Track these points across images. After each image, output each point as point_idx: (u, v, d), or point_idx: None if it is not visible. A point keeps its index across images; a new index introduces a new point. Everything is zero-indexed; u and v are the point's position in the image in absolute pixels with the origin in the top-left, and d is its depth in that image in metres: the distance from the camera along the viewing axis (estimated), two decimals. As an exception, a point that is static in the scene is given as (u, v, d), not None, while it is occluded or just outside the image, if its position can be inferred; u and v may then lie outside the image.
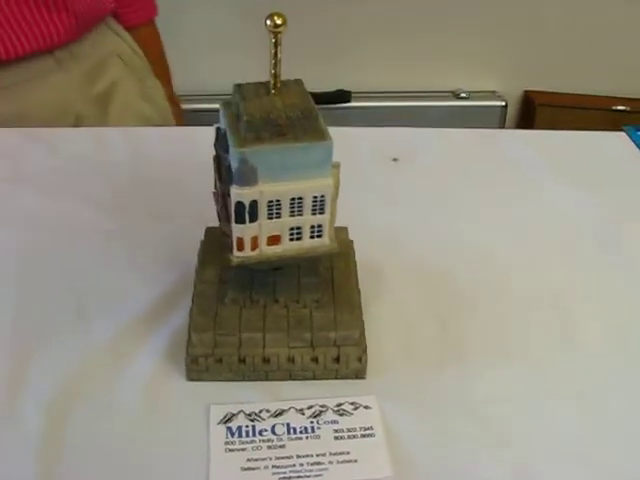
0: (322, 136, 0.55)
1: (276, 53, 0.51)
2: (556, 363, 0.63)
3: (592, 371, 0.63)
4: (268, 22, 0.50)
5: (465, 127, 1.61)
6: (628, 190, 0.84)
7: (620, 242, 0.76)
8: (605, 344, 0.65)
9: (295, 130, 0.54)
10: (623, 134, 0.93)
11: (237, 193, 0.54)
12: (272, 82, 0.54)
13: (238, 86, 0.55)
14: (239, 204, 0.55)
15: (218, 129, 0.58)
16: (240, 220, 0.56)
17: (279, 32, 0.51)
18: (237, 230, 0.56)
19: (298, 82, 0.57)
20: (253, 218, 0.56)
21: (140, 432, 0.57)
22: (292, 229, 0.58)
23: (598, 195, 0.83)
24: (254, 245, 0.57)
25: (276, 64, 0.52)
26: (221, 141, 0.56)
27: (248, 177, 0.54)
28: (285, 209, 0.56)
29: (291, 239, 0.58)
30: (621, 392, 0.61)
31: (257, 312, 0.60)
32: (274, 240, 0.58)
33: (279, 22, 0.50)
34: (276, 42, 0.51)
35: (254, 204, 0.55)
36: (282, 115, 0.54)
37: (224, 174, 0.56)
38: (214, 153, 0.59)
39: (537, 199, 0.82)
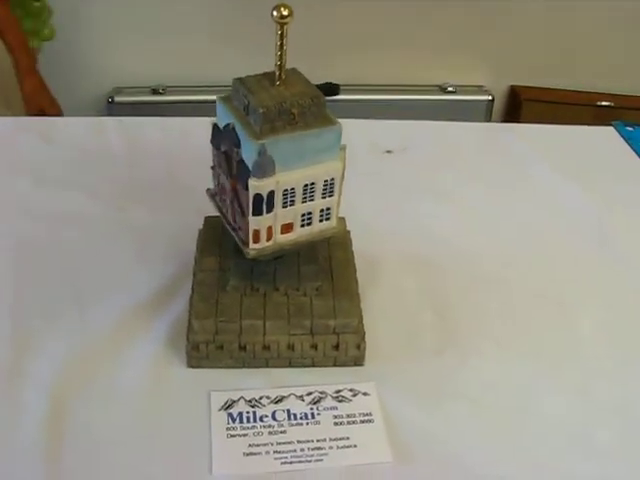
0: (331, 121, 0.56)
1: (282, 44, 0.52)
2: (552, 350, 0.64)
3: (587, 359, 0.64)
4: (275, 13, 0.51)
5: (452, 121, 1.63)
6: (618, 184, 0.86)
7: (609, 235, 0.78)
8: (602, 332, 0.67)
9: (305, 117, 0.55)
10: (611, 129, 0.95)
11: (256, 185, 0.55)
12: (277, 73, 0.54)
13: (239, 80, 0.55)
14: (257, 196, 0.55)
15: (216, 125, 0.58)
16: (258, 212, 0.56)
17: (285, 23, 0.52)
18: (254, 222, 0.57)
19: (295, 71, 0.58)
20: (270, 209, 0.57)
21: (141, 418, 0.57)
22: (304, 215, 0.59)
23: (589, 189, 0.84)
24: (269, 235, 0.58)
25: (282, 55, 0.53)
26: (227, 136, 0.56)
27: (267, 168, 0.54)
28: (298, 196, 0.58)
29: (302, 225, 0.60)
30: (613, 379, 0.62)
31: (258, 300, 0.61)
32: (287, 228, 0.59)
33: (285, 13, 0.51)
34: (282, 33, 0.52)
35: (271, 195, 0.56)
36: (295, 104, 0.55)
37: (235, 169, 0.56)
38: (213, 151, 0.60)
39: (529, 192, 0.84)
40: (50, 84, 1.61)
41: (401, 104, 1.66)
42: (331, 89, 1.92)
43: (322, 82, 1.87)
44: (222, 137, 0.57)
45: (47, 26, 1.31)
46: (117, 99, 1.65)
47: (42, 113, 1.28)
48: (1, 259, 0.71)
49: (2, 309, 0.65)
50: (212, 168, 0.60)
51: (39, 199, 0.78)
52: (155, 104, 1.66)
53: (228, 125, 0.56)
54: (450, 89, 1.68)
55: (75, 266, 0.70)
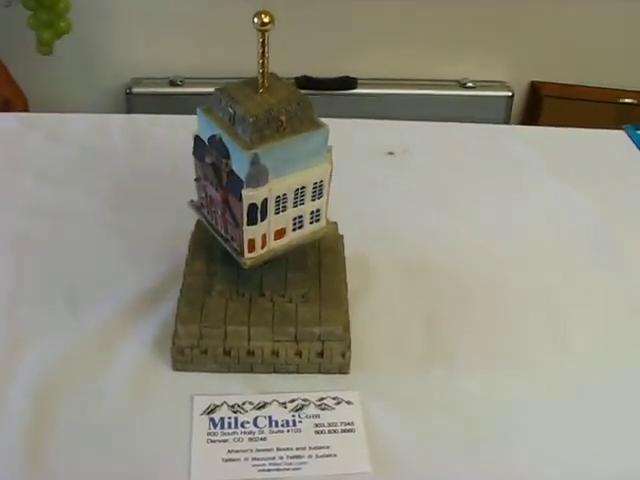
0: (318, 124, 0.56)
1: (263, 52, 0.52)
2: (543, 364, 0.63)
3: (579, 373, 0.63)
4: (255, 20, 0.50)
5: (470, 117, 1.60)
6: (626, 190, 0.84)
7: (616, 243, 0.76)
8: (594, 346, 0.65)
9: (293, 123, 0.55)
10: (622, 132, 0.93)
11: (250, 195, 0.55)
12: (261, 80, 0.54)
13: (221, 90, 0.55)
14: (252, 206, 0.55)
15: (198, 137, 0.57)
16: (252, 221, 0.56)
17: (266, 30, 0.51)
18: (249, 232, 0.57)
19: (275, 76, 0.57)
20: (264, 217, 0.56)
21: (125, 420, 0.58)
22: (295, 219, 0.59)
23: (596, 195, 0.82)
24: (264, 243, 0.58)
25: (264, 62, 0.52)
26: (214, 148, 0.56)
27: (260, 177, 0.54)
28: (290, 201, 0.58)
29: (294, 229, 0.60)
30: (607, 394, 0.61)
31: (243, 305, 0.61)
32: (280, 234, 0.59)
33: (266, 20, 0.50)
34: (263, 41, 0.51)
35: (265, 203, 0.56)
36: (282, 110, 0.54)
37: (225, 181, 0.56)
38: (196, 163, 0.59)
39: (534, 198, 0.82)
40: (68, 75, 1.63)
41: (419, 99, 1.64)
42: (348, 82, 1.91)
43: (339, 75, 1.86)
44: (207, 149, 0.56)
45: (64, 19, 1.31)
46: (135, 90, 1.65)
47: (7, 104, 1.26)
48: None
49: (-2, 305, 0.66)
50: (196, 180, 0.60)
51: (39, 196, 0.79)
52: (173, 96, 1.66)
53: (214, 137, 0.55)
54: (469, 84, 1.65)
55: (70, 265, 0.71)
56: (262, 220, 0.57)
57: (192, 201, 0.62)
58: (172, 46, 1.63)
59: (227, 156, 0.55)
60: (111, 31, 1.61)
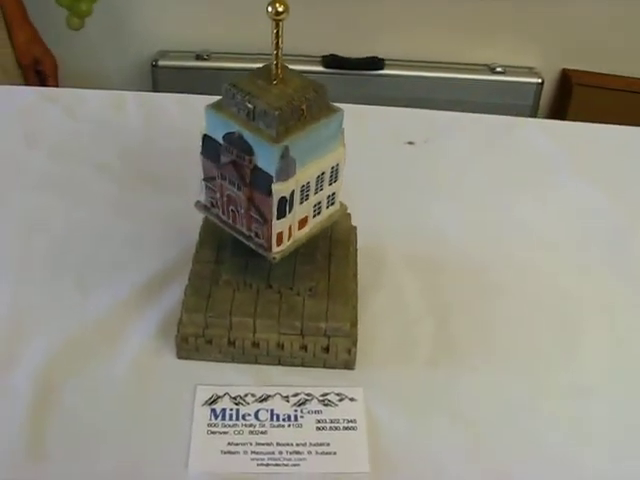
0: (333, 109, 0.56)
1: (277, 43, 0.50)
2: (551, 368, 0.62)
3: (588, 377, 0.62)
4: (269, 9, 0.49)
5: (498, 102, 1.57)
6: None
7: (632, 247, 0.74)
8: (604, 350, 0.64)
9: (312, 111, 0.54)
10: (648, 130, 0.90)
11: (280, 189, 0.54)
12: (275, 71, 0.53)
13: (233, 85, 0.53)
14: (282, 199, 0.55)
15: (208, 137, 0.56)
16: (282, 215, 0.56)
17: (281, 20, 0.50)
18: (278, 226, 0.56)
19: (283, 65, 0.55)
20: (291, 208, 0.56)
21: (127, 407, 0.58)
22: (315, 206, 0.59)
23: (616, 196, 0.80)
24: (290, 234, 0.58)
25: (278, 54, 0.51)
26: (234, 146, 0.54)
27: (289, 169, 0.54)
28: (312, 189, 0.57)
29: (314, 216, 0.59)
30: (616, 399, 0.60)
31: (250, 296, 0.61)
32: (303, 223, 0.59)
33: (281, 9, 0.49)
34: (278, 31, 0.50)
35: (292, 194, 0.55)
36: (302, 99, 0.53)
37: (250, 178, 0.54)
38: (205, 163, 0.57)
39: (552, 197, 0.80)
40: (95, 47, 1.62)
41: (447, 82, 1.62)
42: (376, 63, 1.88)
43: (367, 55, 1.83)
44: (224, 148, 0.55)
45: (84, 1, 1.30)
46: (161, 63, 1.64)
47: (36, 63, 1.27)
48: (7, 233, 0.71)
49: (4, 284, 0.66)
50: (205, 180, 0.58)
51: (51, 173, 0.79)
52: (199, 69, 1.65)
53: (232, 134, 0.54)
54: (499, 69, 1.62)
55: (79, 247, 0.70)
56: (290, 212, 0.56)
57: (198, 202, 0.61)
58: (200, 20, 1.61)
59: (250, 152, 0.54)
60: (139, 3, 1.60)
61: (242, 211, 0.58)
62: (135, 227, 0.72)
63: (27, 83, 1.28)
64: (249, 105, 0.53)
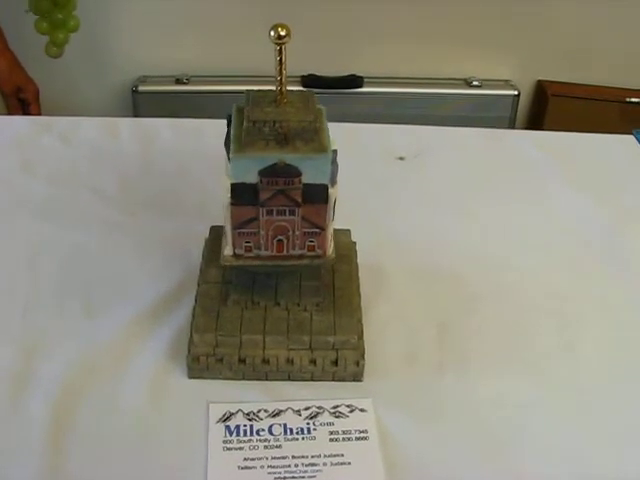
0: (321, 111, 0.58)
1: (281, 67, 0.52)
2: (555, 369, 0.64)
3: (590, 379, 0.64)
4: (272, 33, 0.50)
5: (476, 115, 1.60)
6: (636, 196, 0.84)
7: (626, 250, 0.77)
8: (605, 352, 0.66)
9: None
10: (632, 137, 0.93)
11: (333, 192, 0.56)
12: (279, 93, 0.54)
13: (254, 122, 0.54)
14: (334, 201, 0.57)
15: (237, 185, 0.55)
16: (333, 215, 0.58)
17: (283, 43, 0.51)
18: (330, 228, 0.58)
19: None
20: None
21: (142, 428, 0.58)
22: None
23: (603, 201, 0.83)
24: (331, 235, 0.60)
25: (282, 79, 0.52)
26: (281, 174, 0.55)
27: (336, 171, 0.56)
28: None
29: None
30: (619, 400, 0.62)
31: (258, 314, 0.62)
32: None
33: (283, 33, 0.50)
34: (281, 56, 0.51)
35: None
36: (312, 109, 0.56)
37: (302, 197, 0.56)
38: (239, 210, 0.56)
39: (543, 204, 0.83)
40: (75, 74, 1.63)
41: (425, 98, 1.65)
42: (355, 81, 1.91)
43: (346, 74, 1.85)
44: (264, 183, 0.55)
45: (72, 17, 1.31)
46: (141, 88, 1.65)
47: (18, 91, 1.28)
48: (13, 261, 0.72)
49: (14, 311, 0.67)
50: (237, 228, 0.57)
51: (53, 200, 0.79)
52: (179, 94, 1.66)
53: (273, 166, 0.54)
54: (475, 83, 1.66)
55: (85, 272, 0.71)
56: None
57: (225, 256, 0.59)
58: (178, 45, 1.63)
59: (298, 173, 0.55)
60: (118, 30, 1.61)
61: (297, 233, 0.58)
62: (138, 249, 0.73)
63: (9, 111, 1.28)
64: (278, 131, 0.54)
